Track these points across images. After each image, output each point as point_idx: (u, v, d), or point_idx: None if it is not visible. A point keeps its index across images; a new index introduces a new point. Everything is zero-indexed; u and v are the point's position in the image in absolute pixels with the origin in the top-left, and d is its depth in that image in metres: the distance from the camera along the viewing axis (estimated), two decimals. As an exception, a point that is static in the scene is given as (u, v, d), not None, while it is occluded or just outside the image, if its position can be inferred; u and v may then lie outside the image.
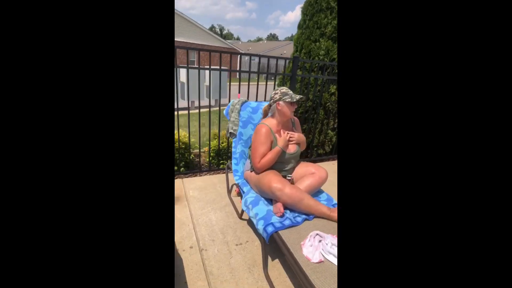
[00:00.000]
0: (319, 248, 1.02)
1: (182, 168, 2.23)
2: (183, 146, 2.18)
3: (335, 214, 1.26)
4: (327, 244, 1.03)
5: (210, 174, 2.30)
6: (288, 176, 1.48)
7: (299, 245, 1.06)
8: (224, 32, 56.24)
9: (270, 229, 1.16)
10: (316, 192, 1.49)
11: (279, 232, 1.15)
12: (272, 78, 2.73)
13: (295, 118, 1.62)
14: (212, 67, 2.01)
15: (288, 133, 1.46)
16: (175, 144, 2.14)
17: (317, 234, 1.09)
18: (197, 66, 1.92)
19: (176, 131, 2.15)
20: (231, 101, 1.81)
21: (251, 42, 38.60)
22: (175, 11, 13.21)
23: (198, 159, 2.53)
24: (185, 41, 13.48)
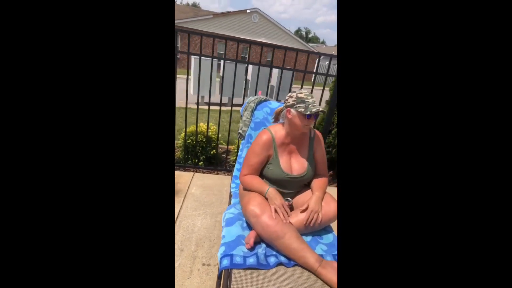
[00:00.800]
0: (267, 317, 0.70)
1: (201, 162, 2.16)
2: (204, 140, 2.10)
3: (324, 272, 0.87)
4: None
5: (228, 174, 2.15)
6: (286, 199, 1.15)
7: (246, 300, 0.76)
8: (310, 35, 55.33)
9: (225, 262, 0.89)
10: (319, 230, 1.11)
11: (233, 270, 0.87)
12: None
13: (316, 131, 1.23)
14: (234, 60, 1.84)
15: (309, 214, 1.03)
16: (195, 137, 2.08)
17: (276, 294, 0.76)
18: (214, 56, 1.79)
19: (196, 124, 2.09)
20: (248, 98, 1.59)
21: (336, 46, 36.65)
22: (261, 12, 13.74)
23: (224, 156, 2.42)
24: (264, 41, 13.86)
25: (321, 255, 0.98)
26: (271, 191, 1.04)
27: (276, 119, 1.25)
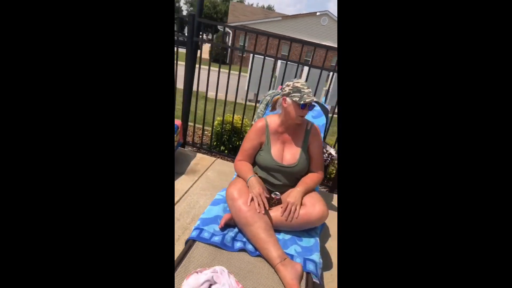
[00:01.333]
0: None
1: (226, 151, 2.29)
2: (228, 128, 2.22)
3: (283, 269, 0.84)
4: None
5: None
6: (275, 194, 1.13)
7: (192, 270, 0.81)
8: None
9: (194, 233, 0.96)
10: (302, 231, 1.06)
11: (197, 242, 0.92)
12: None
13: (314, 125, 1.18)
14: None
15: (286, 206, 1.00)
16: (223, 125, 2.22)
17: (221, 273, 0.78)
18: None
19: (223, 114, 2.21)
20: (267, 92, 1.60)
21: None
22: (331, 15, 13.20)
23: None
24: (331, 45, 13.27)
25: (291, 255, 0.94)
26: (253, 179, 1.05)
27: (273, 108, 1.25)
